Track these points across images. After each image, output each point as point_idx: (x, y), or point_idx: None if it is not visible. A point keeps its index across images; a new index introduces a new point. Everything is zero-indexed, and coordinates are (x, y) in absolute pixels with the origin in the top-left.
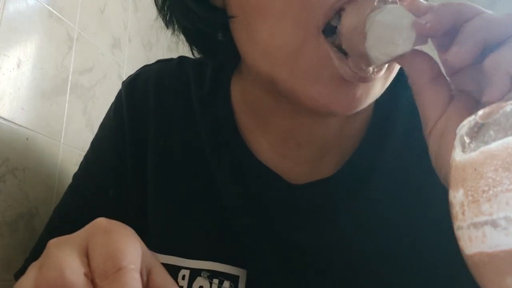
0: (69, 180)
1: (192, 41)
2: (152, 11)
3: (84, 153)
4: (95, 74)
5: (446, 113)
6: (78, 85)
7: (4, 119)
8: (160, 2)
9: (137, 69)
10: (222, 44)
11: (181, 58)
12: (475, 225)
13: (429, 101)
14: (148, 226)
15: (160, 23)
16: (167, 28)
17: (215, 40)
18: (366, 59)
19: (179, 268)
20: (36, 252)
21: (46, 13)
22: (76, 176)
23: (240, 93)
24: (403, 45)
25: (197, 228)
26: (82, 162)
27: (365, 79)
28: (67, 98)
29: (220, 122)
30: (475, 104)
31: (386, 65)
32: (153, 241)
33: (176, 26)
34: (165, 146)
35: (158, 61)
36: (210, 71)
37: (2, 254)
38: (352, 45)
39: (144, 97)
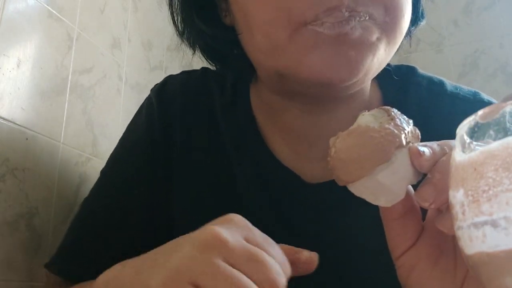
0: (68, 179)
1: (209, 58)
2: (152, 11)
3: (83, 153)
4: (95, 74)
5: (415, 246)
6: (78, 85)
7: (4, 119)
8: (180, 28)
9: (136, 69)
10: (237, 58)
11: (204, 69)
12: (475, 225)
13: (397, 234)
14: (174, 219)
15: (160, 23)
16: (192, 49)
17: (229, 56)
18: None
19: None
20: (67, 242)
21: (45, 13)
22: (104, 172)
23: (257, 98)
24: (384, 202)
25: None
26: (109, 160)
27: (340, 27)
28: (67, 98)
29: (241, 126)
30: (444, 237)
31: (376, 35)
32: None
33: (196, 46)
34: (189, 148)
35: (183, 72)
36: (231, 80)
37: (2, 254)
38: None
39: (172, 103)
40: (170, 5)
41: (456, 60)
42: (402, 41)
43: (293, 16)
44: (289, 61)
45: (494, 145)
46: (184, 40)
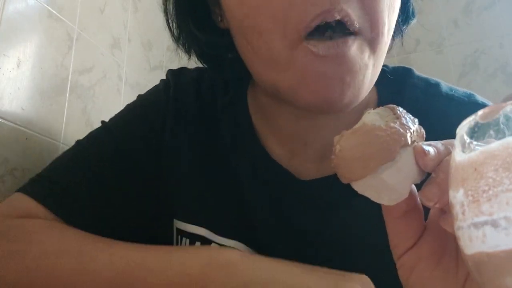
0: None
1: (205, 63)
2: (152, 11)
3: None
4: (94, 74)
5: (417, 245)
6: (78, 85)
7: (4, 119)
8: (176, 33)
9: (136, 69)
10: (232, 62)
11: None
12: (475, 225)
13: (399, 233)
14: (180, 196)
15: (160, 23)
16: (187, 54)
17: (225, 60)
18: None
19: (210, 241)
20: (55, 175)
21: (45, 13)
22: (108, 127)
23: (253, 100)
24: (387, 200)
25: (222, 213)
26: (116, 119)
27: (337, 48)
28: (67, 98)
29: (239, 126)
30: (446, 237)
31: (367, 53)
32: (186, 213)
33: (192, 51)
34: (191, 143)
35: (197, 68)
36: (232, 81)
37: None
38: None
39: (187, 89)
40: (166, 12)
41: (456, 60)
42: (394, 41)
43: (288, 27)
44: (290, 80)
45: (494, 145)
46: (180, 46)
